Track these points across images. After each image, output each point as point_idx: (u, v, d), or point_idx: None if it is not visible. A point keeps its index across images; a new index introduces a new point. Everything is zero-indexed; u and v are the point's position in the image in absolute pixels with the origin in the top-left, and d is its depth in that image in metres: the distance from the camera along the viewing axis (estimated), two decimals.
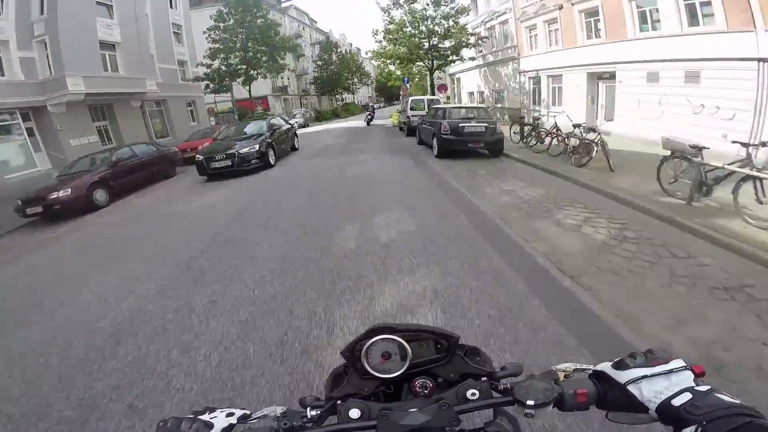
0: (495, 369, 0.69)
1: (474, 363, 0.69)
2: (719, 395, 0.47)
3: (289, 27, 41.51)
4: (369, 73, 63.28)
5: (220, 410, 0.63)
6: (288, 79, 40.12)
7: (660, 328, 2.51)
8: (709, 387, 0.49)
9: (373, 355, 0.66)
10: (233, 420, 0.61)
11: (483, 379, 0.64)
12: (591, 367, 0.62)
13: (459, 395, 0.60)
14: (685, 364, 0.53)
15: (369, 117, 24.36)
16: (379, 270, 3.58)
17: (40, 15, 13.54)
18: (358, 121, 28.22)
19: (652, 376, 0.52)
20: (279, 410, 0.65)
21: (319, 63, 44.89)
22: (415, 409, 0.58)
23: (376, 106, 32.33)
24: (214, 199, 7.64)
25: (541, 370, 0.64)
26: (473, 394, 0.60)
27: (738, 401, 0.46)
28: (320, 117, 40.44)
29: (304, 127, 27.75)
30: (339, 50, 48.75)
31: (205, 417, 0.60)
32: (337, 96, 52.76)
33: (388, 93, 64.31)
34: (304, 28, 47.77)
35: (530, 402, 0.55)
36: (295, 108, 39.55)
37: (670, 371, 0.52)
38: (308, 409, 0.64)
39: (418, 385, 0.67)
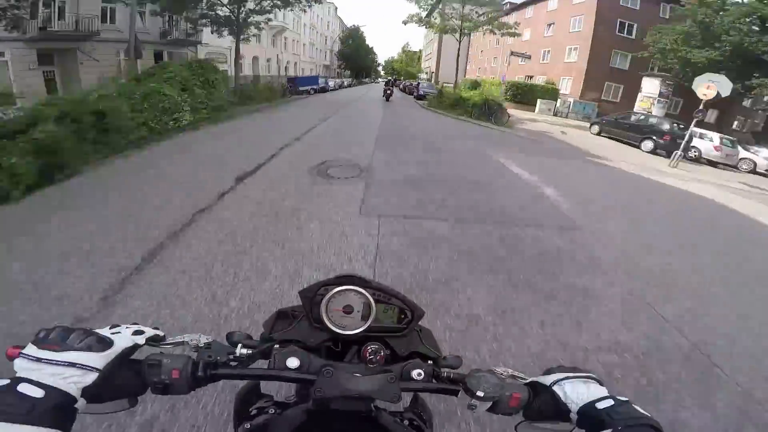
0: (441, 355, 0.68)
1: (426, 344, 0.68)
2: (635, 406, 0.52)
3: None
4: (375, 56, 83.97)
5: (126, 326, 0.55)
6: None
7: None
8: (626, 399, 0.53)
9: (334, 304, 0.62)
10: (140, 339, 0.54)
11: (429, 362, 0.62)
12: (526, 377, 0.64)
13: (405, 372, 0.58)
14: (599, 379, 0.59)
15: (389, 92, 25.52)
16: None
17: None
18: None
19: (573, 378, 0.58)
20: (203, 340, 0.58)
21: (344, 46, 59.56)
22: (359, 375, 0.54)
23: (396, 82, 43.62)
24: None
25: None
26: (419, 374, 0.58)
27: (648, 414, 0.50)
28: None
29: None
30: (359, 34, 62.39)
31: (105, 332, 0.52)
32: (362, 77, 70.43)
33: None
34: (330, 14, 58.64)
35: (480, 393, 0.54)
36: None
37: (588, 378, 0.58)
38: (238, 346, 0.58)
39: (370, 350, 0.61)
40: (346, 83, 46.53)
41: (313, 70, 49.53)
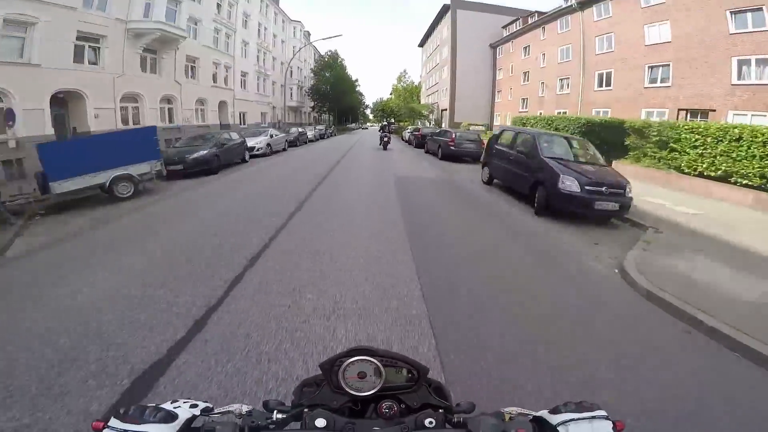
0: (452, 404, 0.76)
1: (436, 395, 0.75)
2: None
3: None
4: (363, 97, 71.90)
5: (183, 401, 0.65)
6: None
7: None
8: None
9: (350, 372, 0.70)
10: (196, 411, 0.63)
11: (440, 411, 0.71)
12: (533, 412, 0.70)
13: (418, 422, 0.66)
14: (606, 414, 0.62)
15: (386, 139, 21.00)
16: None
17: None
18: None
19: (578, 419, 0.61)
20: (244, 408, 0.69)
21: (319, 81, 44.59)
22: (378, 429, 0.64)
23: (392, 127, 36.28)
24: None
25: None
26: (430, 423, 0.66)
27: None
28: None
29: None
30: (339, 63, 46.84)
31: (169, 406, 0.62)
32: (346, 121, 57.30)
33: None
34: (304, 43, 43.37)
35: None
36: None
37: (593, 418, 0.61)
38: (274, 412, 0.69)
39: (385, 406, 0.70)
40: (314, 134, 29.03)
41: (269, 115, 32.83)
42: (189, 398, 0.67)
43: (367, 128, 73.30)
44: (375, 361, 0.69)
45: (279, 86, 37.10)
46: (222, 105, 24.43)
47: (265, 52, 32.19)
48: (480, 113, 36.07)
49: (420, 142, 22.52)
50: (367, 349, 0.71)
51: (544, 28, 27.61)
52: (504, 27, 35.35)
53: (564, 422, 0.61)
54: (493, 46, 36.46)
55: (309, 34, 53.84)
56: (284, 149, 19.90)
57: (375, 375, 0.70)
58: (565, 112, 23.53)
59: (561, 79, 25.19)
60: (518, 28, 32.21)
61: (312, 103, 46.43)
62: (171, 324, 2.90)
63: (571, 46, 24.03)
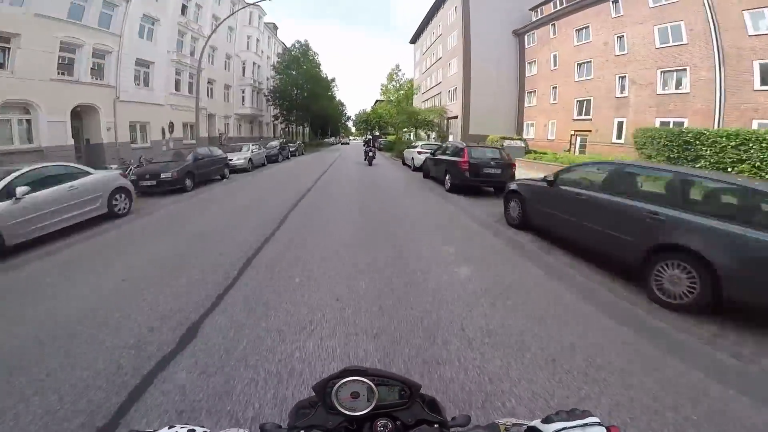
0: (447, 418, 0.75)
1: (430, 411, 0.74)
2: None
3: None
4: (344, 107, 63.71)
5: (180, 426, 0.65)
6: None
7: None
8: None
9: (343, 393, 0.70)
10: None
11: (435, 426, 0.71)
12: (527, 422, 0.69)
13: None
14: (599, 421, 0.62)
15: (371, 153, 18.74)
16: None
17: None
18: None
19: (571, 428, 0.60)
20: None
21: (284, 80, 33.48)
22: None
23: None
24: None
25: None
26: None
27: None
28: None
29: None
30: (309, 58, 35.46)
31: (165, 431, 0.62)
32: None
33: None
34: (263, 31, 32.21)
35: None
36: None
37: (585, 425, 0.61)
38: None
39: (380, 425, 0.70)
40: (249, 157, 15.94)
41: (203, 126, 21.96)
42: (186, 424, 0.66)
43: (348, 143, 61.62)
44: (367, 380, 0.70)
45: (223, 87, 26.38)
46: (87, 112, 13.66)
47: (195, 38, 21.53)
48: (502, 121, 26.39)
49: (461, 176, 9.80)
50: (358, 370, 0.71)
51: (617, 1, 18.19)
52: (533, 9, 25.99)
53: (557, 431, 0.62)
54: (519, 33, 26.98)
55: (276, 28, 43.41)
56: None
57: (368, 394, 0.70)
58: (683, 122, 13.98)
59: (665, 72, 15.63)
60: (561, 6, 22.81)
61: (276, 111, 35.53)
62: None
63: (684, 23, 14.63)
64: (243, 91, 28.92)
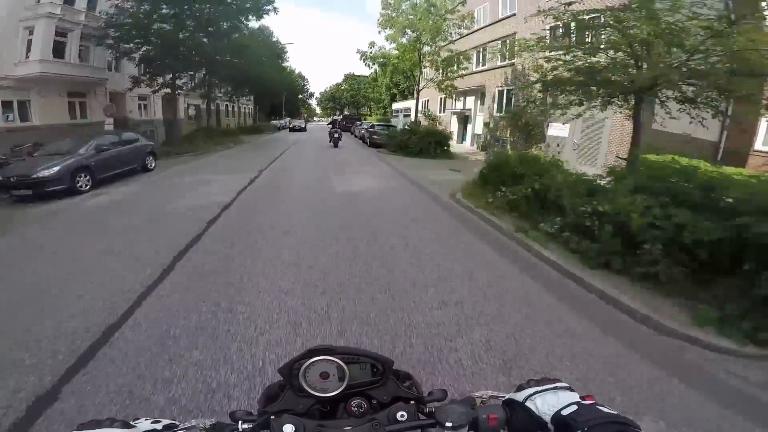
0: (423, 393, 0.74)
1: (405, 387, 0.73)
2: (600, 407, 0.56)
3: None
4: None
5: (144, 418, 0.63)
6: None
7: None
8: (593, 402, 0.58)
9: (311, 374, 0.67)
10: (158, 427, 0.62)
11: (411, 402, 0.68)
12: (503, 395, 0.69)
13: (390, 416, 0.63)
14: (568, 385, 0.64)
15: (336, 135, 19.12)
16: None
17: None
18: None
19: (542, 391, 0.63)
20: (208, 422, 0.65)
21: None
22: (349, 428, 0.61)
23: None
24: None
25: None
26: (402, 416, 0.63)
27: (615, 412, 0.54)
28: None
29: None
30: None
31: (129, 420, 0.60)
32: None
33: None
34: None
35: (448, 424, 0.59)
36: None
37: (556, 388, 0.63)
38: (239, 422, 0.64)
39: (354, 405, 0.68)
40: None
41: None
42: (155, 417, 0.64)
43: (304, 128, 37.81)
44: (335, 359, 0.67)
45: None
46: None
47: None
48: None
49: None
50: (325, 349, 0.68)
51: None
52: None
53: (530, 396, 0.62)
54: None
55: None
56: None
57: (339, 373, 0.67)
58: None
59: None
60: None
61: (141, 69, 17.85)
62: None
63: None
64: (30, 32, 13.55)
